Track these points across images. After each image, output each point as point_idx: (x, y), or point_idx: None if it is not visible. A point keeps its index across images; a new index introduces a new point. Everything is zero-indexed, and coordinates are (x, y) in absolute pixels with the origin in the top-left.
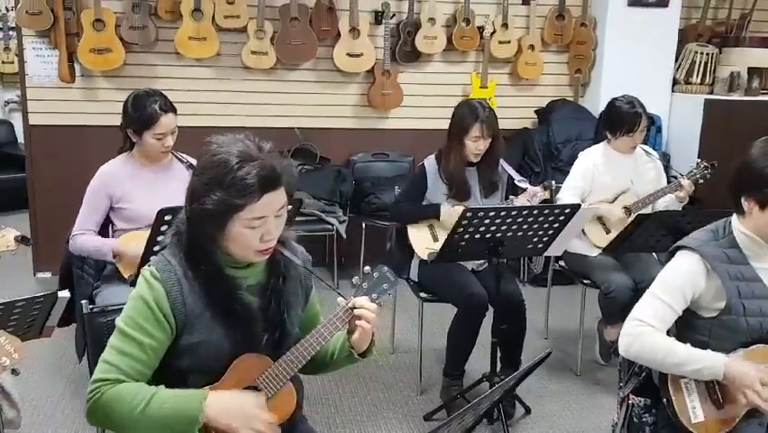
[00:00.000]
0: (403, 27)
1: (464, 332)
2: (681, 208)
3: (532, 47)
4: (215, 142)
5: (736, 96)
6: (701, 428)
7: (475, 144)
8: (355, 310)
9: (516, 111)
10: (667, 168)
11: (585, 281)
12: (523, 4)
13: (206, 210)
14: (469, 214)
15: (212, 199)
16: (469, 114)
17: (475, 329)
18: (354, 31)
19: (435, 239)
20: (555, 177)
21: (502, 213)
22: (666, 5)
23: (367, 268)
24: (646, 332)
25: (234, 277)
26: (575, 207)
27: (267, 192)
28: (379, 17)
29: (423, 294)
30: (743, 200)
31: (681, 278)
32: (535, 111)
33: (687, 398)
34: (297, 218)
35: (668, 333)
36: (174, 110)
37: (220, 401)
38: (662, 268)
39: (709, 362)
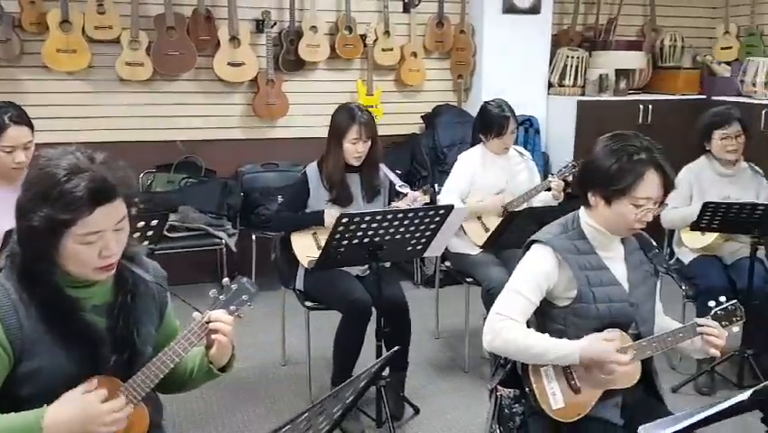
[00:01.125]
0: (285, 35)
1: (349, 338)
2: (557, 205)
3: (414, 54)
4: (45, 155)
5: (605, 97)
6: (561, 413)
7: (354, 147)
8: (210, 324)
9: (403, 117)
10: (547, 167)
11: (468, 280)
12: (404, 12)
13: (34, 227)
14: (344, 220)
15: (39, 216)
16: (346, 116)
17: (360, 334)
18: (235, 40)
19: (319, 247)
20: (442, 180)
21: (378, 217)
22: (538, 12)
23: (225, 280)
24: (507, 326)
25: (76, 297)
26: (449, 208)
27: (100, 205)
28: (260, 26)
29: (308, 303)
30: (590, 195)
31: (536, 271)
32: (422, 116)
33: (547, 385)
34: (183, 234)
35: (528, 324)
36: (28, 124)
37: (58, 415)
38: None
39: (566, 348)
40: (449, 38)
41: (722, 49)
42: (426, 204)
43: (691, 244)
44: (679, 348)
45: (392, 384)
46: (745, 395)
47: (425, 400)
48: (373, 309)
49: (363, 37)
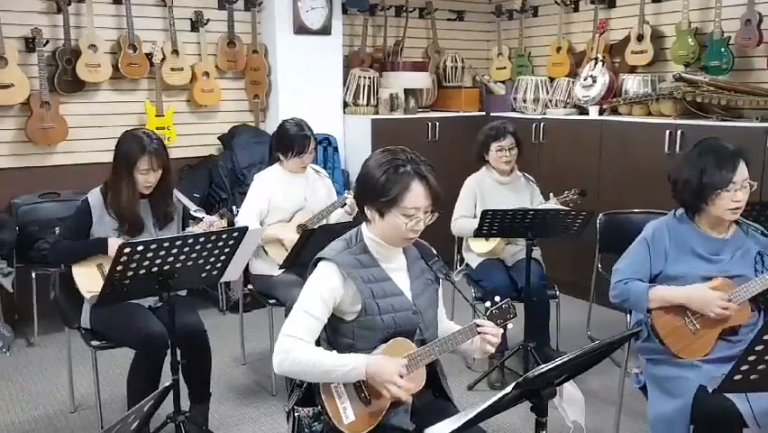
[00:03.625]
0: (60, 55)
1: (145, 375)
2: (351, 220)
3: (207, 74)
4: None
5: (397, 115)
6: (353, 427)
7: (145, 177)
8: None
9: (198, 138)
10: (348, 184)
11: (271, 301)
12: (192, 30)
13: None
14: (127, 250)
15: None
16: (135, 146)
17: (155, 370)
18: (1, 59)
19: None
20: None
21: (165, 244)
22: (329, 33)
23: None
24: (296, 346)
25: None
26: (243, 230)
27: None
28: (30, 44)
29: (95, 342)
30: (366, 209)
31: (321, 288)
32: (218, 138)
33: (338, 401)
34: None
35: (320, 341)
36: None
37: None
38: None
39: (353, 364)
40: (242, 57)
41: (497, 69)
42: (224, 228)
43: (478, 250)
44: (460, 350)
45: (194, 419)
46: (508, 388)
47: (231, 429)
48: (169, 342)
49: (150, 56)
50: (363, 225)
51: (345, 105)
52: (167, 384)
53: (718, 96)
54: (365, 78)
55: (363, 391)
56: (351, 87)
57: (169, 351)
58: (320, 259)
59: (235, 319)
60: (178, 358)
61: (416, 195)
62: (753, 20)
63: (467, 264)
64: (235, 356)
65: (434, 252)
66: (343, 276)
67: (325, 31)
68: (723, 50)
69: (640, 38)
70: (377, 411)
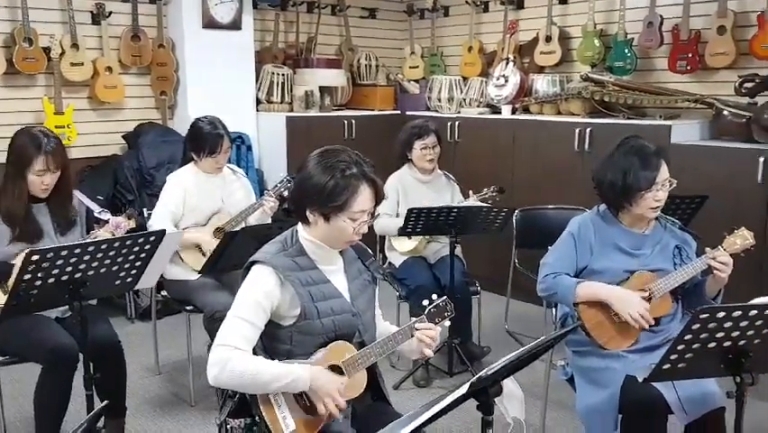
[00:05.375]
0: None
1: (53, 391)
2: (270, 220)
3: (109, 69)
4: None
5: (312, 113)
6: None
7: (40, 179)
8: None
9: (101, 137)
10: (262, 183)
11: (188, 308)
12: (93, 23)
13: None
14: (35, 257)
15: None
16: (30, 145)
17: (65, 386)
18: None
19: (5, 291)
20: (152, 204)
21: (77, 250)
22: (240, 28)
23: None
24: (233, 357)
25: None
26: (160, 234)
27: None
28: None
29: None
30: (308, 213)
31: (257, 293)
32: (123, 136)
33: (277, 410)
34: None
35: (256, 349)
36: None
37: None
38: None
39: (295, 375)
40: (147, 52)
41: (410, 68)
42: (132, 229)
43: (401, 249)
44: (398, 351)
45: None
46: (463, 389)
47: None
48: (80, 355)
49: (47, 50)
50: (300, 226)
51: (258, 102)
52: (102, 405)
53: (624, 95)
54: (278, 74)
55: (304, 399)
56: (264, 83)
57: (80, 365)
58: (254, 262)
59: (146, 327)
60: (92, 372)
61: (365, 198)
62: (654, 22)
63: (390, 263)
64: (148, 367)
65: (371, 252)
66: (280, 279)
67: (235, 25)
68: (627, 51)
69: (548, 39)
70: (317, 419)
